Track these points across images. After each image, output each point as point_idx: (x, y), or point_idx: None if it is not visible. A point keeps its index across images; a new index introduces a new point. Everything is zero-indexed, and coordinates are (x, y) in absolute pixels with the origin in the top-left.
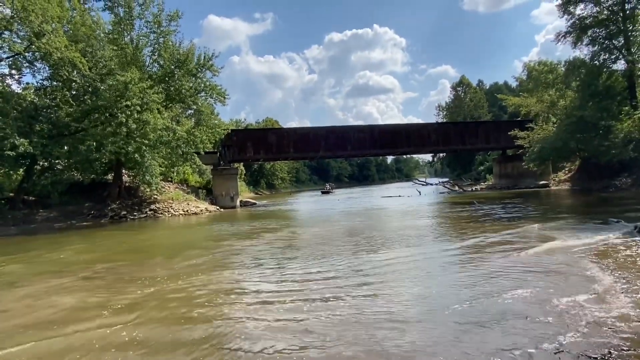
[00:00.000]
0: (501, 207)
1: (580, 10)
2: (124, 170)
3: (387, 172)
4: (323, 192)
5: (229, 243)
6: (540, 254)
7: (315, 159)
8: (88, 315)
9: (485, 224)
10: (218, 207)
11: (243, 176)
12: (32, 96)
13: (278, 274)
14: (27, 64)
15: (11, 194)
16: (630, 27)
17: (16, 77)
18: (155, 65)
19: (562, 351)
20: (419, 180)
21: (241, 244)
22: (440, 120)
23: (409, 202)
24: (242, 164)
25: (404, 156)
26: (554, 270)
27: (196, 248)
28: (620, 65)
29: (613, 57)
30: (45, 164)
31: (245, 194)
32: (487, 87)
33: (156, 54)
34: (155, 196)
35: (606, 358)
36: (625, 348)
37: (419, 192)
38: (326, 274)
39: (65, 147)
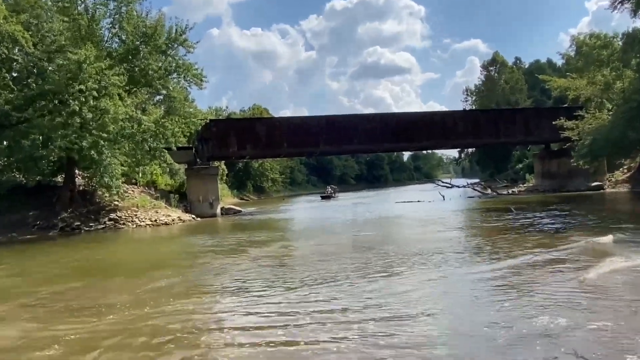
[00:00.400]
0: (546, 215)
1: None
2: (77, 171)
3: (403, 171)
4: (323, 197)
5: (207, 261)
6: (604, 277)
7: (314, 155)
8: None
9: (527, 237)
10: (194, 216)
11: (225, 177)
12: None
13: (266, 301)
14: None
15: None
16: None
17: None
18: (116, 40)
19: None
20: (443, 182)
21: (221, 261)
22: (468, 107)
23: (430, 208)
24: (223, 162)
25: (424, 152)
26: (626, 298)
27: (166, 267)
28: None
29: None
30: None
31: (227, 199)
32: (526, 66)
33: (117, 26)
34: (116, 202)
35: None
36: None
37: (443, 197)
38: (328, 304)
39: (5, 142)
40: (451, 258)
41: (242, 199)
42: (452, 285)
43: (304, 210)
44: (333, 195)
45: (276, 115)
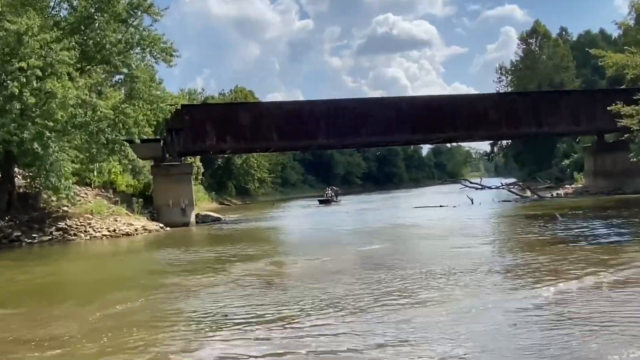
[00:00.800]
0: (600, 224)
1: None
2: (16, 169)
3: (422, 169)
4: (322, 201)
5: (176, 281)
6: None
7: (312, 150)
8: None
9: (578, 252)
10: (162, 225)
11: (201, 177)
12: None
13: (252, 336)
14: None
15: None
16: None
17: None
18: (65, 7)
19: None
20: (471, 182)
21: (195, 281)
22: (502, 90)
23: (456, 215)
24: (199, 157)
25: (447, 145)
26: None
27: (126, 288)
28: None
29: None
30: None
31: (204, 203)
32: (575, 39)
33: None
34: (66, 208)
35: None
36: None
37: (471, 200)
38: (333, 341)
39: None
40: (485, 280)
41: (222, 203)
42: (490, 319)
43: (298, 218)
44: (334, 199)
45: (264, 100)
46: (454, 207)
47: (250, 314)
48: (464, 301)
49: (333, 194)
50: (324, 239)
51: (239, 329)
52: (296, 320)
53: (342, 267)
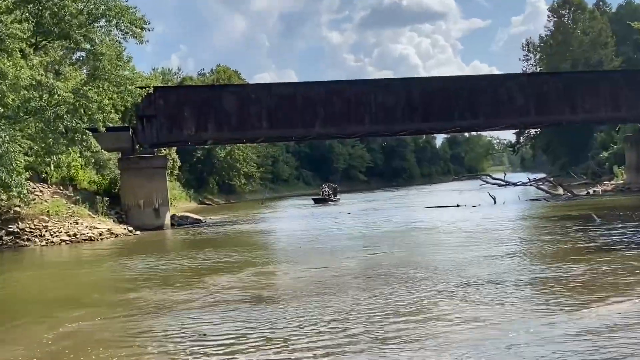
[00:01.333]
0: None
1: None
2: None
3: (436, 163)
4: (317, 200)
5: (146, 295)
6: None
7: (308, 140)
8: None
9: (621, 262)
10: (131, 228)
11: (177, 172)
12: None
13: None
14: None
15: None
16: None
17: None
18: None
19: None
20: (493, 178)
21: (167, 296)
22: (530, 69)
23: (476, 216)
24: (174, 149)
25: (466, 134)
26: None
27: (85, 303)
28: None
29: None
30: None
31: (181, 203)
32: (614, 10)
33: None
34: (18, 209)
35: None
36: None
37: (493, 199)
38: None
39: None
40: (512, 296)
41: (202, 202)
42: (531, 353)
43: (291, 220)
44: (330, 197)
45: (251, 82)
46: (473, 207)
47: (232, 334)
48: (492, 319)
49: (331, 192)
50: (321, 244)
51: (218, 353)
52: (292, 343)
53: (342, 279)
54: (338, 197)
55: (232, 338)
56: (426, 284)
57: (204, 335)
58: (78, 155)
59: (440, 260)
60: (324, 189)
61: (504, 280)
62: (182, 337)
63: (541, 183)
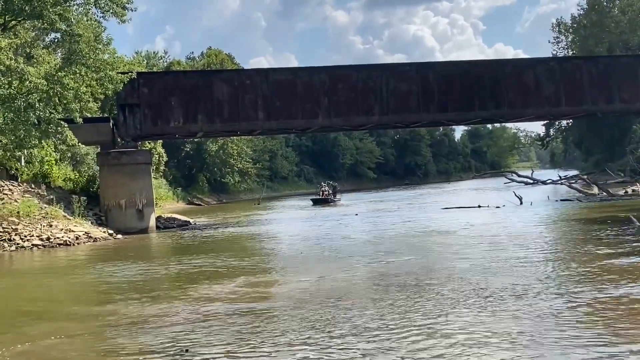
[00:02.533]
0: None
1: None
2: None
3: (455, 158)
4: (317, 201)
5: (123, 307)
6: None
7: (310, 132)
8: None
9: None
10: (112, 232)
11: (163, 168)
12: None
13: None
14: None
15: None
16: None
17: None
18: None
19: None
20: (519, 176)
21: (148, 309)
22: (560, 53)
23: (499, 218)
24: (160, 142)
25: (488, 126)
26: None
27: (54, 317)
28: None
29: None
30: None
31: (168, 203)
32: None
33: None
34: None
35: None
36: None
37: (519, 199)
38: None
39: None
40: (547, 310)
41: (191, 203)
42: None
43: (290, 222)
44: (330, 197)
45: (246, 67)
46: (496, 208)
47: (219, 352)
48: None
49: (329, 191)
50: (324, 250)
51: None
52: None
53: (348, 290)
54: (338, 197)
55: (219, 356)
56: (445, 295)
57: (186, 351)
58: (52, 149)
59: (460, 269)
60: (322, 188)
61: (534, 293)
62: (160, 355)
63: (573, 181)
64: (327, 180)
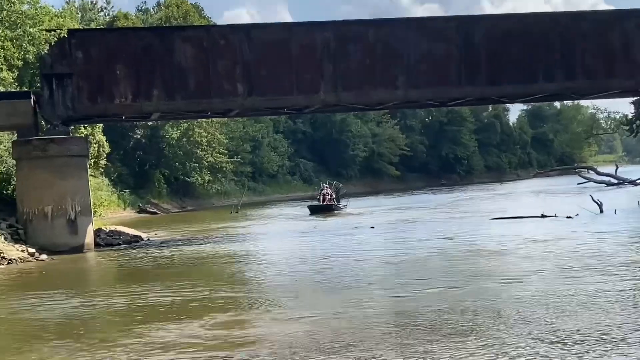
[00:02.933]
0: None
1: None
2: None
3: (509, 148)
4: (315, 209)
5: (46, 358)
6: None
7: (308, 112)
8: None
9: None
10: (33, 250)
11: (104, 161)
12: None
13: None
14: None
15: None
16: None
17: None
18: None
19: None
20: (599, 173)
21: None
22: None
23: (571, 233)
24: (100, 126)
25: (556, 104)
26: None
27: None
28: None
29: None
30: None
31: (110, 211)
32: None
33: None
34: None
35: None
36: None
37: (599, 206)
38: None
39: None
40: None
41: (144, 210)
42: None
43: (280, 238)
44: (334, 202)
45: (220, 22)
46: (567, 218)
47: None
48: None
49: (330, 193)
50: (327, 277)
51: None
52: None
53: (360, 333)
54: (343, 202)
55: None
56: (502, 340)
57: None
58: None
59: (517, 305)
60: (323, 190)
61: (634, 339)
62: None
63: None
64: (330, 180)
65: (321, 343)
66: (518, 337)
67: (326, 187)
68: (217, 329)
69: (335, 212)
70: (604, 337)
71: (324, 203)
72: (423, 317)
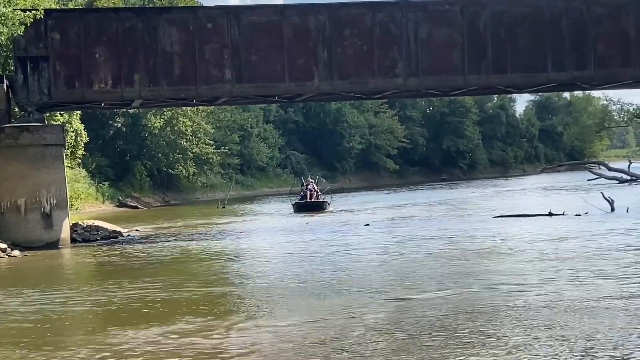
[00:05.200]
0: None
1: None
2: None
3: (515, 141)
4: (301, 207)
5: None
6: None
7: (300, 101)
8: None
9: None
10: (4, 246)
11: (81, 152)
12: None
13: None
14: None
15: None
16: None
17: None
18: None
19: None
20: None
21: None
22: None
23: (580, 232)
24: (78, 114)
25: (565, 95)
26: None
27: None
28: None
29: None
30: None
31: (88, 204)
32: None
33: None
34: None
35: None
36: None
37: (610, 203)
38: None
39: None
40: None
41: (124, 204)
42: None
43: (268, 235)
44: (320, 199)
45: (207, 4)
46: (576, 216)
47: None
48: None
49: (316, 190)
50: (319, 278)
51: None
52: None
53: (350, 342)
54: (327, 198)
55: None
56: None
57: None
58: None
59: (523, 309)
60: (310, 186)
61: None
62: None
63: None
64: (312, 175)
65: (303, 352)
66: (523, 346)
67: (311, 182)
68: (194, 335)
69: (320, 211)
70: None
71: (312, 200)
72: (418, 325)
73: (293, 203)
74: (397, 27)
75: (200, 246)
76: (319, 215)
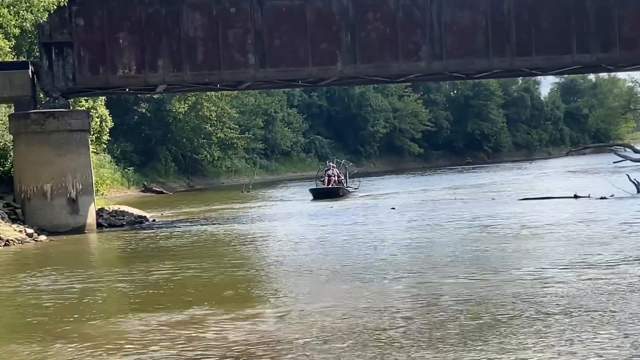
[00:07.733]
0: None
1: None
2: None
3: (540, 124)
4: (318, 193)
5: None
6: None
7: (324, 85)
8: None
9: None
10: (31, 231)
11: (107, 137)
12: None
13: None
14: None
15: None
16: None
17: None
18: None
19: None
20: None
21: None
22: None
23: (606, 214)
24: (103, 99)
25: (591, 78)
26: None
27: None
28: None
29: None
30: None
31: (113, 190)
32: None
33: None
34: None
35: None
36: None
37: (636, 185)
38: None
39: None
40: None
41: (149, 189)
42: None
43: (291, 219)
44: (343, 186)
45: None
46: (601, 199)
47: None
48: None
49: (337, 176)
50: (339, 262)
51: None
52: None
53: (377, 328)
54: (354, 184)
55: None
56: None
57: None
58: None
59: (555, 292)
60: (329, 171)
61: None
62: None
63: None
64: (338, 159)
65: (327, 341)
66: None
67: (332, 166)
68: (218, 321)
69: (338, 197)
70: None
71: (329, 186)
72: (450, 312)
73: (310, 189)
74: (421, 11)
75: (225, 230)
76: (343, 199)
